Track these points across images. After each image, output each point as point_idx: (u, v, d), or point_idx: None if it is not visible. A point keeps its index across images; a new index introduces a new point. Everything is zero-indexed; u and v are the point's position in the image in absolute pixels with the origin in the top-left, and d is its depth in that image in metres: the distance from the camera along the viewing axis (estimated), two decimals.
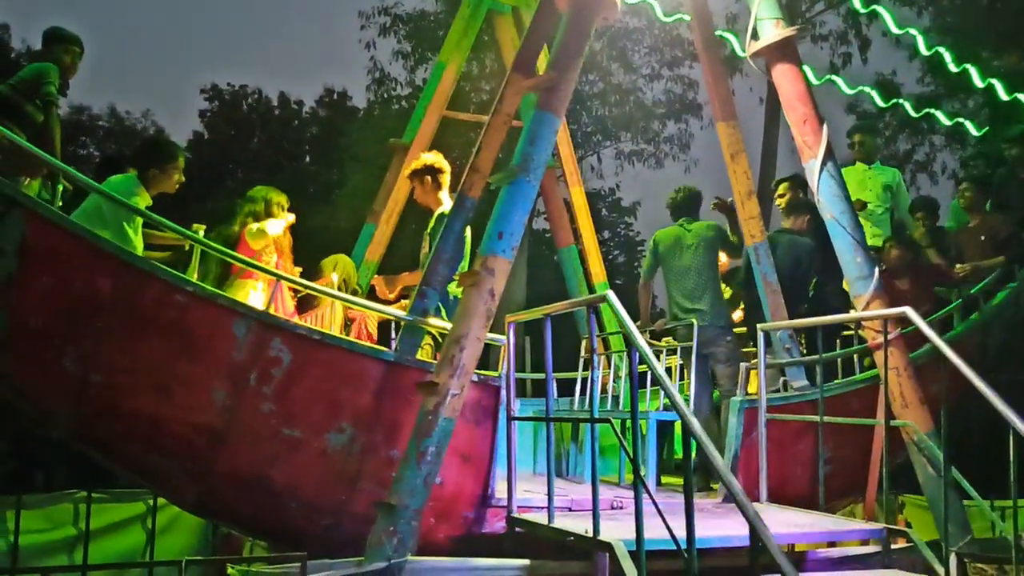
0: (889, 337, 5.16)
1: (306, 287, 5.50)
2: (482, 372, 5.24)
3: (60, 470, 8.52)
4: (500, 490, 5.14)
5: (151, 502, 7.09)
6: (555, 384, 7.87)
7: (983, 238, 7.35)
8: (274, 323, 4.77)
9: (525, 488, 5.42)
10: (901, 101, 9.54)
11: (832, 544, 5.59)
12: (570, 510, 5.14)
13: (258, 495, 4.80)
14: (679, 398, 3.77)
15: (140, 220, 5.20)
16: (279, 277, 5.20)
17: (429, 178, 6.55)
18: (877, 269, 5.48)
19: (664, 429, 6.86)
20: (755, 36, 5.84)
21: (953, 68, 7.52)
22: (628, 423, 6.16)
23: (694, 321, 6.48)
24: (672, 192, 7.14)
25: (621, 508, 5.28)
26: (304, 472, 4.79)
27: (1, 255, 4.32)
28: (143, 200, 5.36)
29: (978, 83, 7.52)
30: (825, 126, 5.58)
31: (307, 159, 24.59)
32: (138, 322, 4.54)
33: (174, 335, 4.58)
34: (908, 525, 6.13)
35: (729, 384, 6.52)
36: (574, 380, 7.58)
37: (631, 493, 5.14)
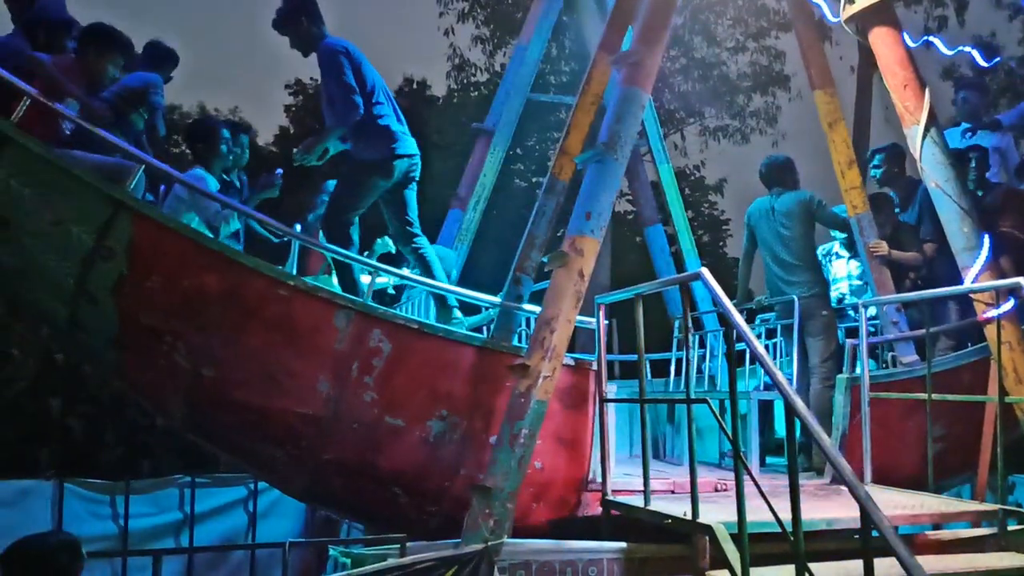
0: (1002, 311, 4.91)
1: (400, 276, 5.53)
2: (577, 356, 5.19)
3: (166, 457, 8.86)
4: (601, 473, 5.09)
5: (252, 486, 7.29)
6: (648, 365, 7.83)
7: None
8: (374, 314, 4.80)
9: (625, 471, 5.36)
10: (1000, 58, 8.95)
11: (938, 526, 5.37)
12: (672, 492, 5.07)
13: (364, 482, 4.87)
14: (781, 377, 3.65)
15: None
16: (376, 268, 5.24)
17: (304, 20, 5.60)
18: (986, 238, 5.21)
19: (766, 408, 6.68)
20: (850, 0, 5.61)
21: None
22: (727, 403, 6.04)
23: (795, 297, 6.28)
24: (762, 164, 6.97)
25: (725, 490, 5.17)
26: (407, 459, 4.83)
27: (111, 256, 4.45)
28: (212, 184, 5.49)
29: None
30: (927, 90, 5.33)
31: None
32: (244, 317, 4.63)
33: (279, 328, 4.65)
34: (1020, 507, 5.86)
35: (817, 359, 6.31)
36: (667, 361, 7.46)
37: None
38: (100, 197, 4.43)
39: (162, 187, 5.64)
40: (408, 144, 5.70)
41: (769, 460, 6.47)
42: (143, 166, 4.67)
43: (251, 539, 7.18)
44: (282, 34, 5.72)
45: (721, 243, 27.04)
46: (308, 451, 4.80)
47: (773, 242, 6.55)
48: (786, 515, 3.49)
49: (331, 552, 4.64)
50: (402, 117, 5.78)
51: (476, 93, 19.12)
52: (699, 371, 7.24)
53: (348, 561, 4.28)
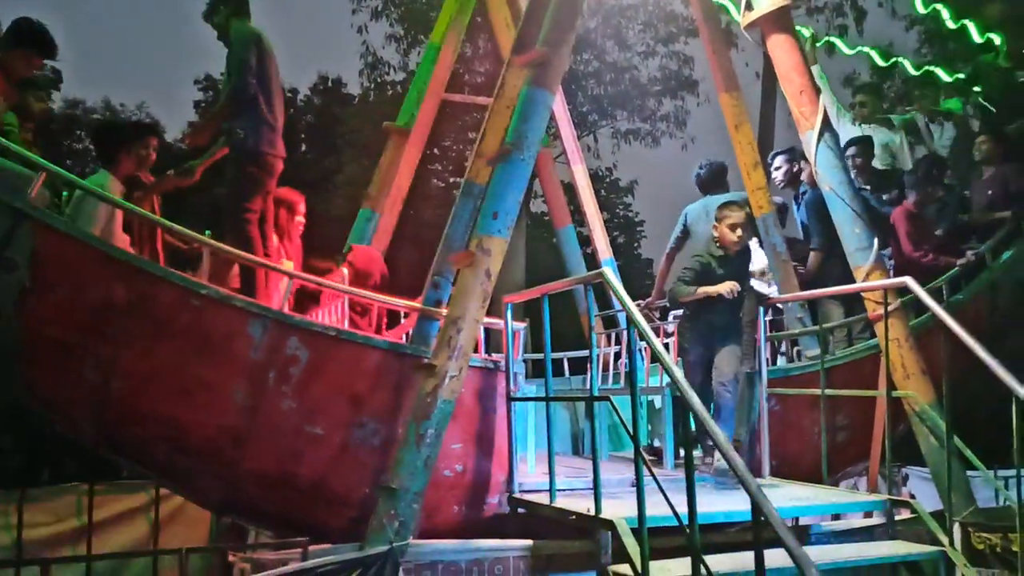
0: (889, 308, 5.12)
1: (317, 283, 5.44)
2: (492, 358, 5.20)
3: (67, 464, 8.52)
4: (523, 472, 5.16)
5: (154, 493, 7.08)
6: (567, 363, 7.93)
7: (990, 192, 7.22)
8: (290, 322, 4.72)
9: (544, 470, 5.39)
10: (901, 60, 9.35)
11: (837, 517, 5.58)
12: (591, 489, 5.12)
13: (284, 492, 4.79)
14: (677, 373, 3.74)
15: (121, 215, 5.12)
16: (291, 275, 5.13)
17: (222, 8, 5.69)
18: (876, 240, 5.43)
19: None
20: (749, 7, 5.78)
21: (951, 24, 7.38)
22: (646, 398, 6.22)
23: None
24: (696, 168, 7.13)
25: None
26: (328, 467, 4.76)
27: (13, 268, 4.27)
28: (116, 189, 5.32)
29: (977, 38, 7.36)
30: (822, 96, 5.53)
31: (303, 147, 24.50)
32: (155, 327, 4.50)
33: (191, 338, 4.54)
34: (912, 497, 6.12)
35: (749, 351, 6.49)
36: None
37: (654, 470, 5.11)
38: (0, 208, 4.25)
39: (64, 193, 5.43)
40: (281, 146, 5.67)
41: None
42: (44, 174, 4.48)
43: (154, 547, 6.96)
44: (211, 25, 5.74)
45: (636, 244, 27.53)
46: (225, 463, 4.70)
47: (709, 241, 6.72)
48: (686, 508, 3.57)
49: (231, 558, 4.55)
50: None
51: (392, 92, 19.01)
52: (616, 367, 7.37)
53: (249, 566, 4.22)
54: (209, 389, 4.57)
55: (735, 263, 5.66)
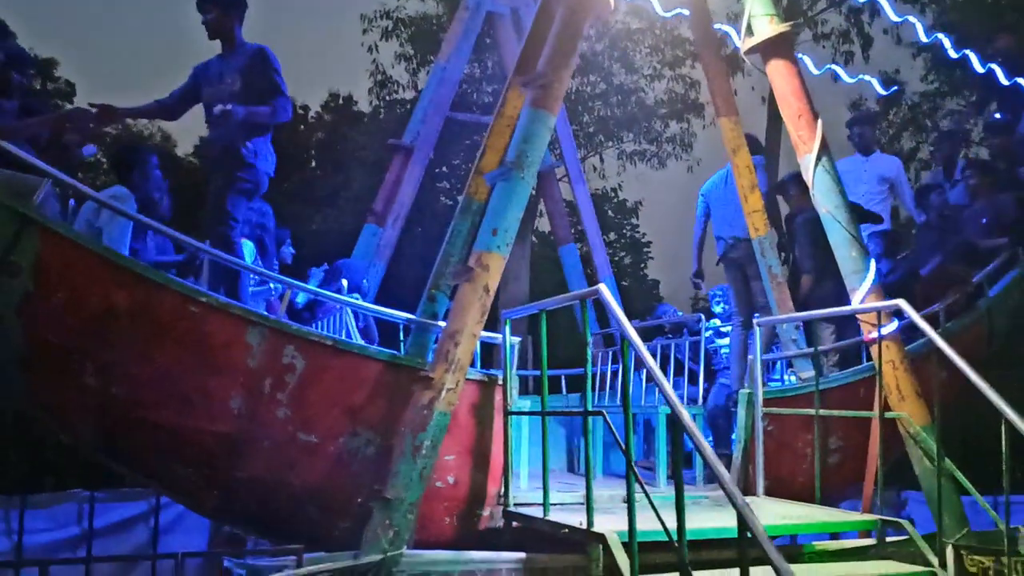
0: (884, 331, 5.17)
1: (314, 293, 5.52)
2: (491, 372, 5.27)
3: (71, 472, 8.58)
4: (515, 486, 5.20)
5: (154, 501, 7.14)
6: (565, 380, 8.00)
7: (985, 220, 7.29)
8: (287, 331, 4.78)
9: (537, 485, 5.44)
10: (900, 88, 9.46)
11: (835, 536, 5.60)
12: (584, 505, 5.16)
13: (277, 500, 4.84)
14: (669, 390, 3.80)
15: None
16: (290, 285, 5.21)
17: (231, 10, 5.81)
18: (872, 262, 5.49)
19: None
20: (750, 32, 5.87)
21: (953, 54, 7.45)
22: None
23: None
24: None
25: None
26: (321, 475, 4.82)
27: (17, 273, 4.30)
28: (131, 205, 5.42)
29: (979, 68, 7.43)
30: (820, 121, 5.59)
31: (313, 163, 24.67)
32: (155, 334, 4.55)
33: (190, 345, 4.59)
34: (911, 520, 6.14)
35: (763, 299, 6.71)
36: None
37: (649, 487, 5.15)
38: (5, 212, 4.30)
39: (71, 201, 5.52)
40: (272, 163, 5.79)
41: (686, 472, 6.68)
42: (50, 180, 4.56)
43: (153, 551, 7.02)
44: (201, 10, 5.75)
45: (643, 264, 27.49)
46: (221, 470, 4.75)
47: (725, 206, 7.01)
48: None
49: (226, 564, 4.60)
50: None
51: (402, 110, 19.15)
52: (614, 385, 7.42)
53: (244, 572, 4.27)
54: (206, 396, 4.62)
55: None
